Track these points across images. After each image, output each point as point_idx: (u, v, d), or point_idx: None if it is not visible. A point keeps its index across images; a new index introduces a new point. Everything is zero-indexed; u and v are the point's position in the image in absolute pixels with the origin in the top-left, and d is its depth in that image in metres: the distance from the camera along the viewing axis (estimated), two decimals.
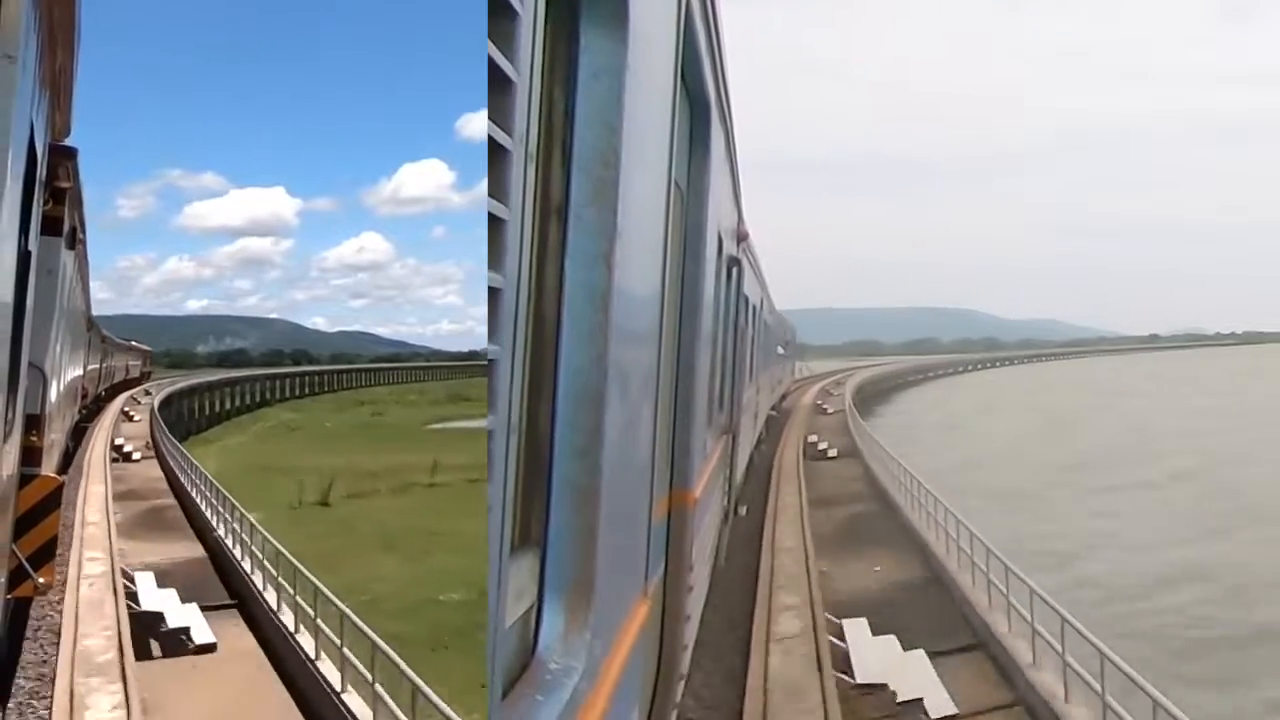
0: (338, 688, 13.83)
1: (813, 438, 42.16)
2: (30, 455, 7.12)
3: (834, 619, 15.26)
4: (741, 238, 9.25)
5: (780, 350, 36.62)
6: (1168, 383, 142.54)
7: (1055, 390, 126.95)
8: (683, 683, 5.58)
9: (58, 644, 14.28)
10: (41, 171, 5.73)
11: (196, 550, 23.97)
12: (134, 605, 17.45)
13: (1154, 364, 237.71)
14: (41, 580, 6.78)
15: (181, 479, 31.58)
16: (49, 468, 9.53)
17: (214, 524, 24.29)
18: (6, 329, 4.22)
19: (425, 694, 11.39)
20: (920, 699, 12.20)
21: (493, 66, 1.73)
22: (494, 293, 1.75)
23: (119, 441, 42.13)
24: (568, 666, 2.19)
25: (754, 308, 14.05)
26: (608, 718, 2.47)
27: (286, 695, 14.63)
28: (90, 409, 46.36)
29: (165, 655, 16.09)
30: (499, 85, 1.77)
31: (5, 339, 4.15)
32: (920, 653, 13.44)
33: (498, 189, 1.78)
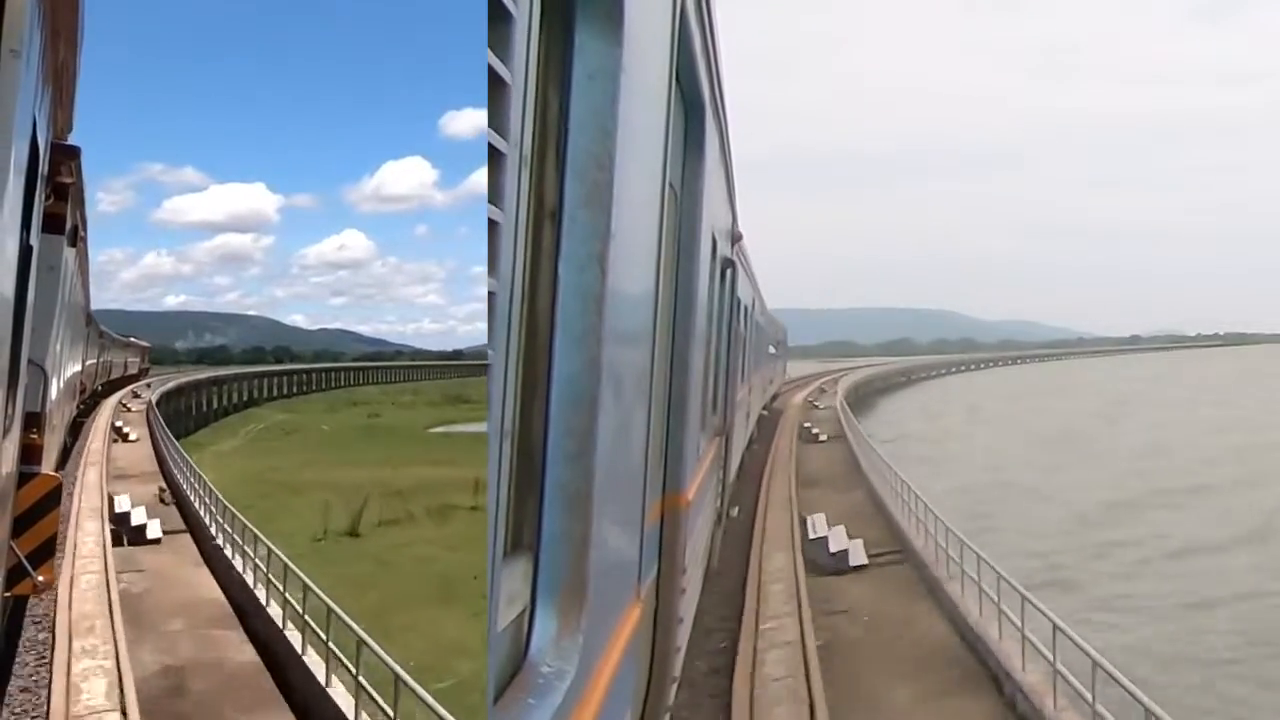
0: None
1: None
2: (30, 453, 7.06)
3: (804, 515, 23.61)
4: (736, 239, 9.20)
5: (772, 350, 36.65)
6: (1170, 386, 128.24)
7: (1049, 396, 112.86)
8: (675, 685, 5.54)
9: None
10: (44, 168, 5.68)
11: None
12: None
13: (1142, 366, 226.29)
14: (41, 578, 6.73)
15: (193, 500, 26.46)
16: (48, 465, 9.47)
17: (236, 562, 19.89)
18: (8, 326, 4.18)
19: None
20: (845, 550, 20.40)
21: (487, 69, 1.69)
22: (488, 296, 1.72)
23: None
24: (560, 670, 2.16)
25: (747, 308, 14.02)
26: None
27: None
28: (88, 404, 46.32)
29: None
30: (493, 88, 1.73)
31: (6, 336, 4.10)
32: (858, 540, 20.92)
33: (491, 192, 1.75)
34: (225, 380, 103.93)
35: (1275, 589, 25.40)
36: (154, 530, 23.88)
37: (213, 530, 22.80)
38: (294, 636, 14.97)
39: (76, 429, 39.94)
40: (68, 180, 6.82)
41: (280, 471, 48.60)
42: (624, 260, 2.50)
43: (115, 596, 17.25)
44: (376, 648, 12.13)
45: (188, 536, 24.23)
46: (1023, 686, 12.27)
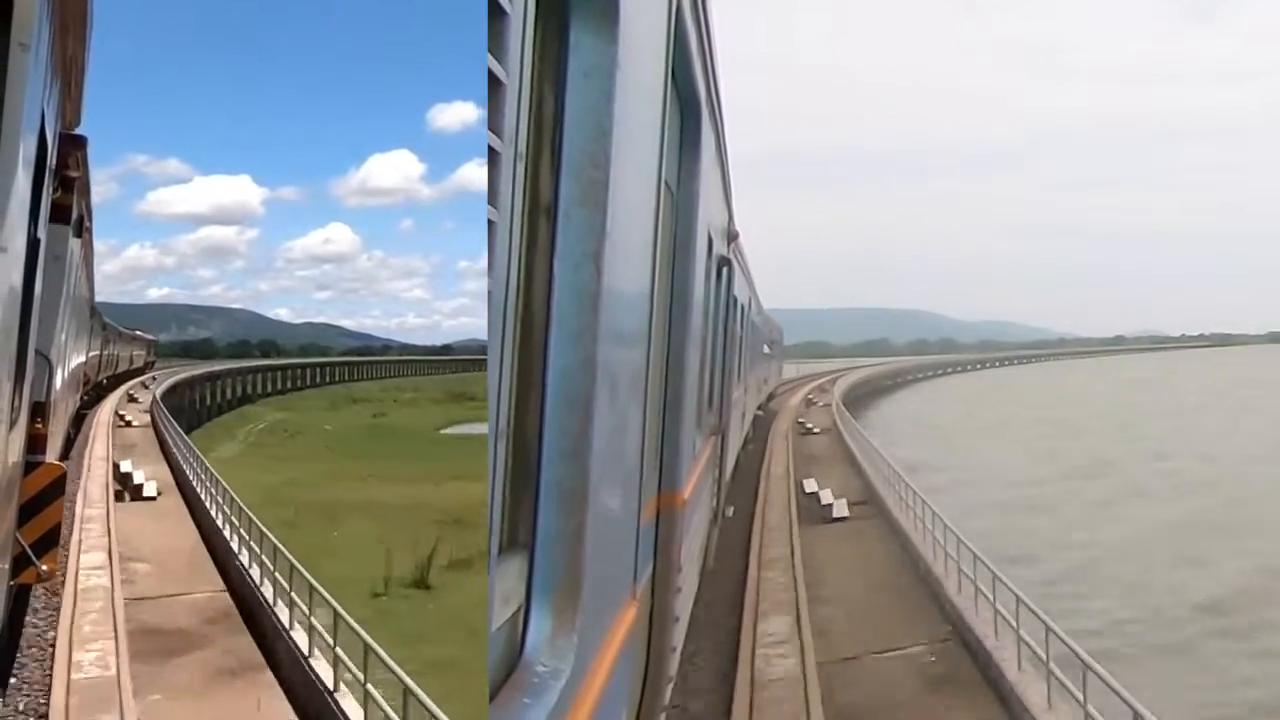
0: None
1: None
2: (35, 442, 7.04)
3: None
4: (732, 237, 9.14)
5: (767, 349, 36.62)
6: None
7: (1046, 405, 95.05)
8: (671, 685, 5.48)
9: None
10: (52, 159, 5.64)
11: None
12: None
13: (1136, 368, 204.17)
14: (45, 567, 6.70)
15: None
16: (52, 455, 9.43)
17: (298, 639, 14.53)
18: (15, 316, 4.14)
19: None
20: (831, 505, 25.43)
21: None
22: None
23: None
24: (555, 669, 2.13)
25: (743, 307, 13.97)
26: None
27: None
28: (91, 396, 45.91)
29: None
30: (488, 85, 1.69)
31: (14, 326, 4.07)
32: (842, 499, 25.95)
33: (487, 190, 1.70)
34: (219, 376, 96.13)
35: None
36: (150, 489, 27.22)
37: (252, 573, 17.84)
38: None
39: (79, 420, 39.75)
40: (74, 172, 6.78)
41: (302, 487, 39.99)
42: (619, 259, 2.47)
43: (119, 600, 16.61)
44: None
45: (227, 596, 17.76)
46: (933, 571, 18.52)
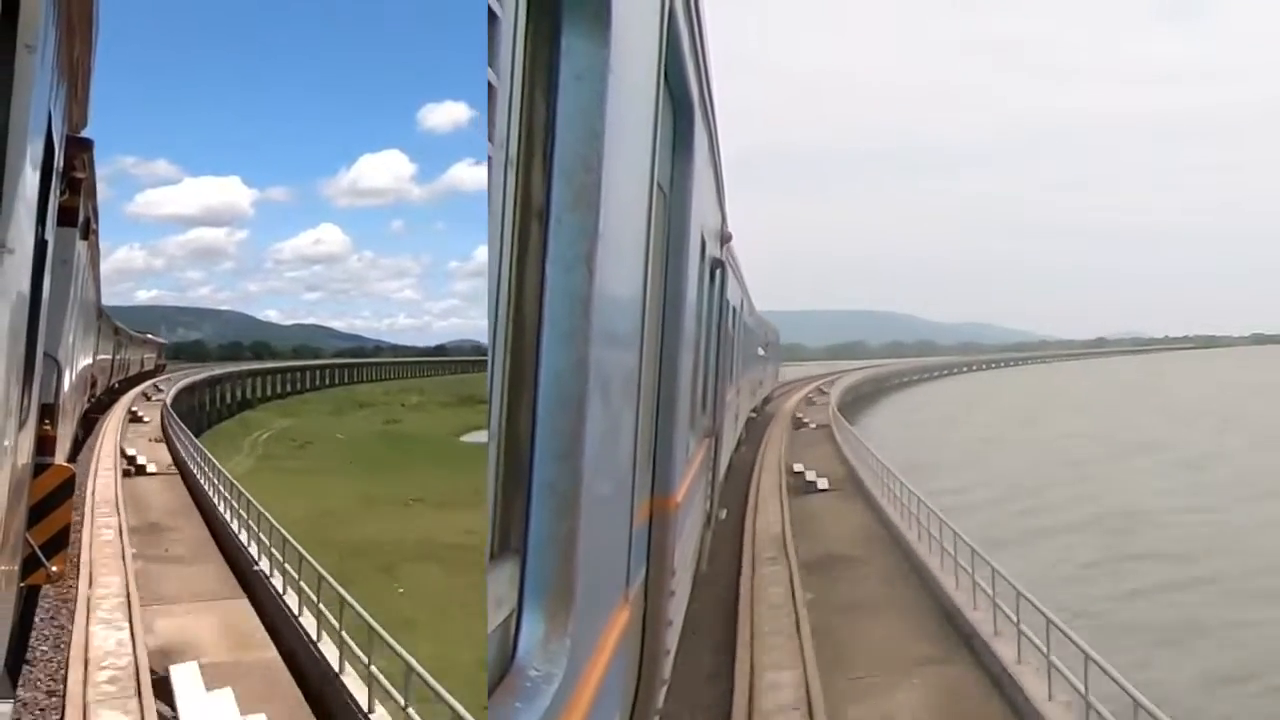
0: None
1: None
2: (44, 444, 6.99)
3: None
4: (725, 240, 9.06)
5: (761, 352, 36.56)
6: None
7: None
8: (665, 689, 5.40)
9: None
10: (58, 162, 5.59)
11: None
12: None
13: (1129, 370, 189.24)
14: (54, 569, 6.65)
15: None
16: (61, 457, 9.38)
17: None
18: (23, 318, 4.09)
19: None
20: (815, 481, 29.80)
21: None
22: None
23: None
24: (548, 673, 2.09)
25: (736, 309, 13.91)
26: None
27: None
28: (102, 399, 45.00)
29: None
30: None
31: (22, 329, 4.02)
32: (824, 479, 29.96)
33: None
34: (219, 380, 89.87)
35: None
36: (151, 468, 31.63)
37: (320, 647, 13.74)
38: None
39: (89, 424, 39.20)
40: (81, 175, 6.72)
41: (341, 521, 32.79)
42: (612, 261, 2.42)
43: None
44: None
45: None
46: (899, 531, 22.04)
